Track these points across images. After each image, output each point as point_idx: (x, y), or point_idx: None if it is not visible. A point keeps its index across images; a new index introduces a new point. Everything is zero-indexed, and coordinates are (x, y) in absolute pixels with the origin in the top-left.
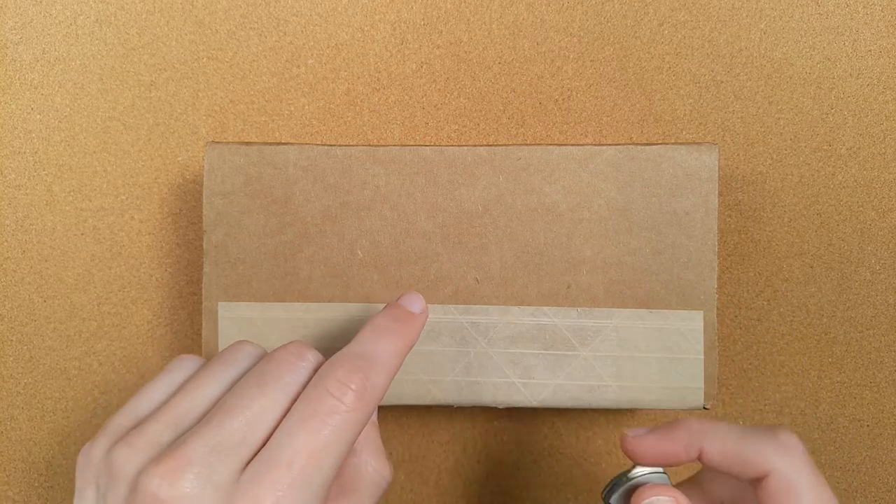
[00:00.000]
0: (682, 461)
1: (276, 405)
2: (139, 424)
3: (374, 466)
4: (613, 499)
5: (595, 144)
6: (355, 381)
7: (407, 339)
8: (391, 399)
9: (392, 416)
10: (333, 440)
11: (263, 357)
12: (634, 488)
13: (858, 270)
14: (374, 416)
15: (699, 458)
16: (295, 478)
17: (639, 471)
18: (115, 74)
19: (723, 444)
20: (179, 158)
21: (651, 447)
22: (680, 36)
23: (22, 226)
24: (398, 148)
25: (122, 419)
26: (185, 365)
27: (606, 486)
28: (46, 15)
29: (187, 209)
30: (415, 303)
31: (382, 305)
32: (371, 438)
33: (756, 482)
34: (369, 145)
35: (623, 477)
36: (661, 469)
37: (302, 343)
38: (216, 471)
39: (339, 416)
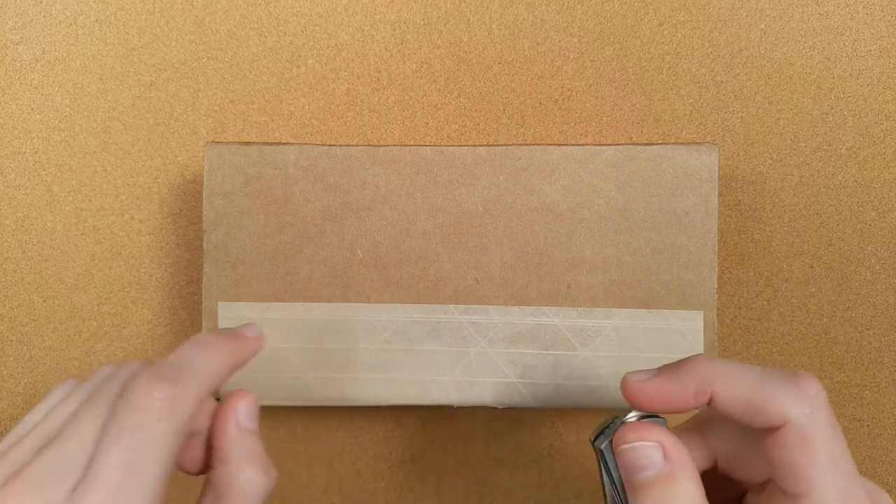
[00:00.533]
0: (690, 407)
1: (97, 423)
2: (8, 450)
3: (247, 475)
4: (603, 445)
5: (595, 144)
6: (160, 391)
7: (230, 354)
8: (392, 400)
9: (392, 416)
10: (145, 452)
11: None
12: None
13: (858, 270)
14: (249, 422)
15: (709, 403)
16: (113, 495)
17: (634, 415)
18: (115, 74)
19: (736, 388)
20: (179, 158)
21: (656, 392)
22: (680, 36)
23: (22, 226)
24: (398, 148)
25: (3, 446)
26: (63, 389)
27: (596, 430)
28: (46, 15)
29: (187, 209)
30: (250, 329)
31: (383, 305)
32: (244, 446)
33: (767, 432)
34: (369, 145)
35: (615, 420)
36: (659, 416)
37: (130, 361)
38: (51, 492)
39: (145, 428)
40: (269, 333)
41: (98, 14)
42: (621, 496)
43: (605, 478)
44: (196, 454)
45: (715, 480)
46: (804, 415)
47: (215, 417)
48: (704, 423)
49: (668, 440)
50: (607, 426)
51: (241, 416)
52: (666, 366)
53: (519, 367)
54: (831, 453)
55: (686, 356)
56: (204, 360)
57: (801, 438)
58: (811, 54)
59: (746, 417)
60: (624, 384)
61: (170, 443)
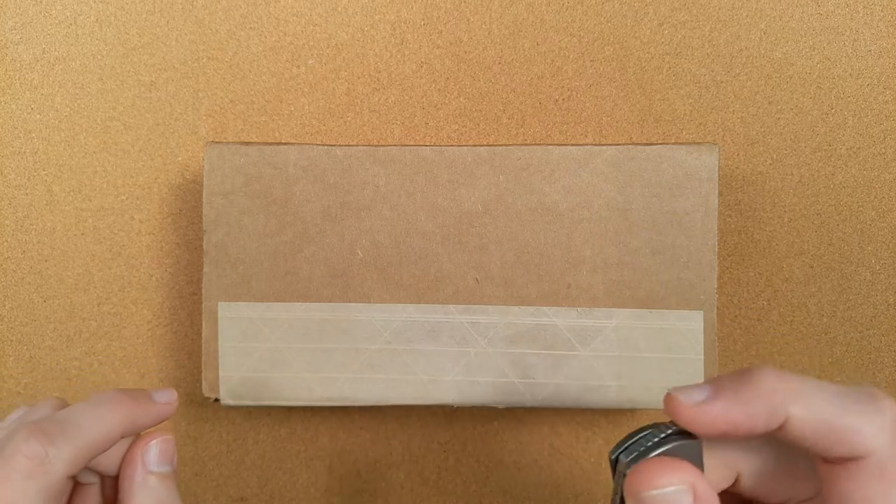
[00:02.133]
0: (757, 434)
1: None
2: None
3: None
4: (624, 462)
5: (595, 144)
6: (31, 448)
7: (129, 414)
8: (392, 400)
9: (392, 416)
10: None
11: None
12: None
13: (858, 270)
14: (159, 466)
15: (780, 430)
16: None
17: (666, 431)
18: (115, 74)
19: (815, 412)
20: (179, 158)
21: (717, 418)
22: (680, 36)
23: (22, 226)
24: (398, 148)
25: None
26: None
27: (621, 444)
28: (46, 15)
29: (187, 209)
30: (163, 393)
31: (382, 305)
32: (150, 493)
33: (837, 461)
34: (369, 145)
35: (646, 439)
36: (696, 437)
37: (39, 404)
38: None
39: (10, 484)
40: (269, 334)
41: (98, 14)
42: None
43: (620, 497)
44: (109, 498)
45: (728, 498)
46: (890, 443)
47: (123, 460)
48: (728, 440)
49: (701, 485)
50: (634, 444)
51: (150, 459)
52: (722, 382)
53: (519, 367)
54: None
55: (686, 356)
56: (92, 419)
57: (882, 474)
58: (811, 54)
59: (821, 446)
60: (673, 406)
61: (34, 500)
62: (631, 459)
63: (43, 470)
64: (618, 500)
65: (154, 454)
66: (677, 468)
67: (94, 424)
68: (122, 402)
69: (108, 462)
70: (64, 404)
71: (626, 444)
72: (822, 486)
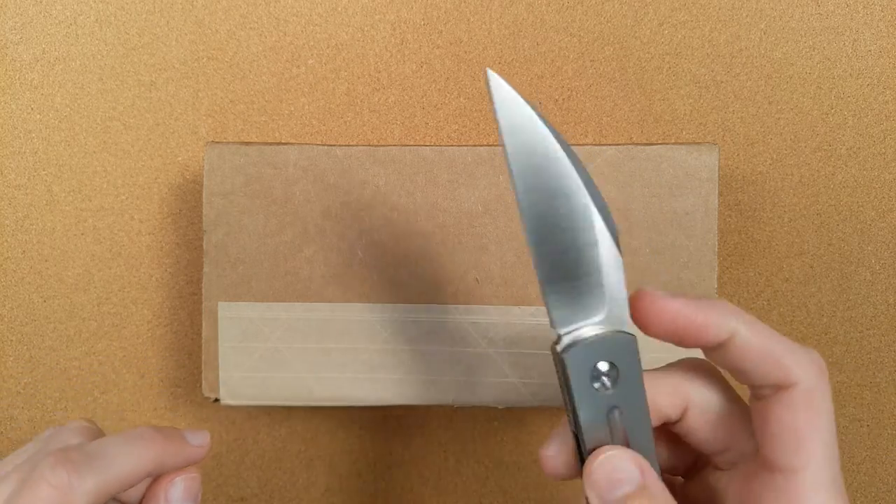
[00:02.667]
0: (703, 343)
1: (3, 496)
2: None
3: None
4: (557, 350)
5: (595, 144)
6: (57, 478)
7: (160, 454)
8: (392, 400)
9: (392, 416)
10: None
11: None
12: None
13: (858, 270)
14: (182, 503)
15: (724, 344)
16: None
17: (601, 330)
18: (115, 74)
19: (758, 336)
20: (179, 158)
21: (674, 315)
22: (680, 36)
23: (22, 226)
24: (398, 148)
25: None
26: (20, 450)
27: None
28: (46, 15)
29: (187, 209)
30: (196, 435)
31: (382, 305)
32: None
33: (771, 391)
34: (369, 145)
35: (582, 332)
36: (632, 335)
37: (69, 426)
38: None
39: None
40: (269, 334)
41: (98, 14)
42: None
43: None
44: None
45: (669, 443)
46: (816, 379)
47: (146, 494)
48: (681, 372)
49: (644, 465)
50: (579, 336)
51: (174, 496)
52: (687, 294)
53: (519, 367)
54: (831, 430)
55: (686, 356)
56: (122, 455)
57: (809, 403)
58: (811, 54)
59: (760, 368)
60: (638, 296)
61: None
62: (562, 349)
63: (66, 500)
64: (563, 388)
65: (178, 492)
66: (623, 451)
67: (124, 460)
68: (155, 442)
69: (131, 495)
70: (94, 428)
71: (572, 342)
72: (755, 427)
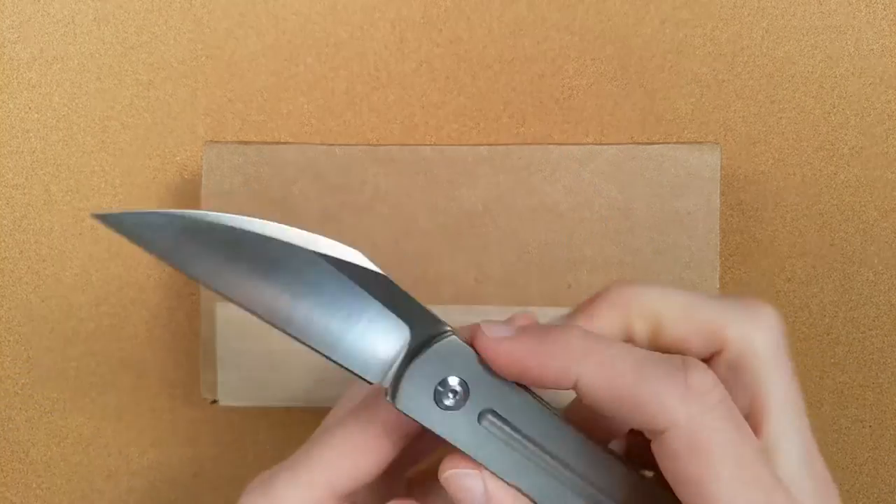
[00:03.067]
0: (548, 387)
1: None
2: None
3: None
4: (399, 399)
5: (596, 144)
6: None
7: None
8: None
9: None
10: None
11: None
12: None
13: (861, 270)
14: None
15: (574, 389)
16: None
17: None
18: (113, 73)
19: (607, 377)
20: (178, 158)
21: (509, 358)
22: (682, 35)
23: (19, 226)
24: (398, 147)
25: None
26: None
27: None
28: (44, 14)
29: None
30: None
31: None
32: None
33: (651, 434)
34: (369, 145)
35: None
36: (455, 334)
37: None
38: None
39: None
40: (267, 334)
41: (96, 13)
42: None
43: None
44: None
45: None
46: (693, 417)
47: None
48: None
49: (485, 475)
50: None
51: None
52: (534, 326)
53: None
54: (737, 461)
55: None
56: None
57: (691, 447)
58: (813, 53)
59: (619, 417)
60: (474, 335)
61: None
62: (391, 397)
63: None
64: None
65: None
66: (465, 460)
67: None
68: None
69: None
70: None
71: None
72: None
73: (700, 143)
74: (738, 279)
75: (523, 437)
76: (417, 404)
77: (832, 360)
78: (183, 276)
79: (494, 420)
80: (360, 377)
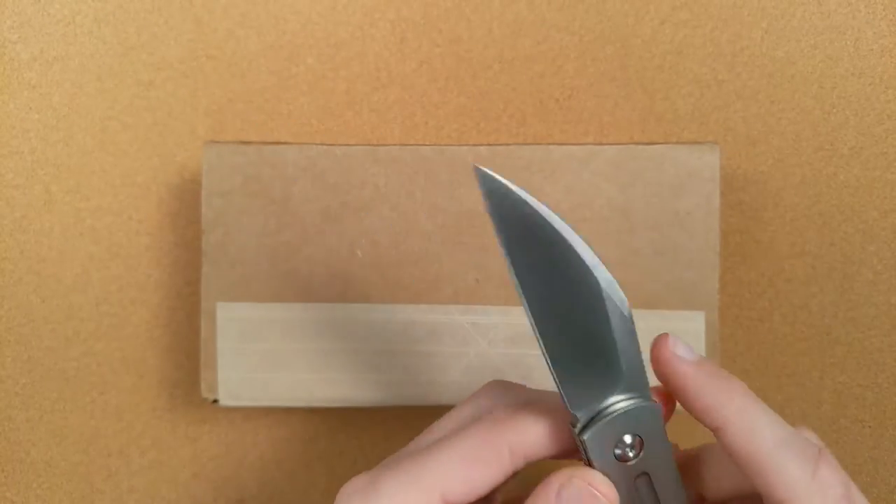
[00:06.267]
0: (696, 416)
1: None
2: None
3: None
4: (586, 436)
5: (596, 144)
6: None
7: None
8: (392, 400)
9: (393, 417)
10: None
11: None
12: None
13: (861, 271)
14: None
15: (715, 429)
16: None
17: (632, 404)
18: (113, 74)
19: (751, 433)
20: (178, 158)
21: (687, 379)
22: (681, 35)
23: (20, 226)
24: (398, 147)
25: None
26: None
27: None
28: (44, 14)
29: (186, 209)
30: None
31: (382, 305)
32: None
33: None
34: (369, 145)
35: (610, 408)
36: (657, 404)
37: None
38: None
39: None
40: (268, 334)
41: (96, 13)
42: None
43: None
44: None
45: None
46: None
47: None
48: (713, 456)
49: (601, 484)
50: (599, 412)
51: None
52: (708, 362)
53: (520, 367)
54: None
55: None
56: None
57: None
58: (813, 53)
59: (745, 471)
60: (662, 352)
61: None
62: (580, 429)
63: None
64: (584, 457)
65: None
66: (586, 473)
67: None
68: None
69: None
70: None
71: (591, 416)
72: None
73: (700, 143)
74: (738, 279)
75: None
76: (598, 446)
77: (832, 361)
78: (183, 276)
79: (643, 484)
80: (565, 403)
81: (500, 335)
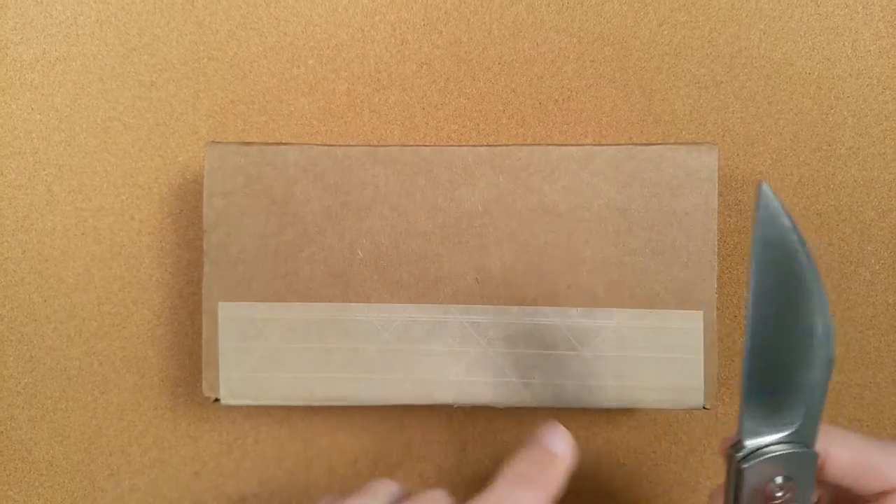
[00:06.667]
0: (873, 492)
1: None
2: None
3: None
4: (747, 465)
5: (595, 144)
6: None
7: (548, 488)
8: (392, 400)
9: (392, 415)
10: None
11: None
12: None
13: (858, 271)
14: None
15: (820, 468)
16: None
17: (789, 447)
18: (115, 74)
19: (851, 451)
20: (180, 158)
21: (843, 466)
22: (680, 36)
23: (22, 226)
24: (398, 148)
25: None
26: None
27: (738, 443)
28: (47, 15)
29: (187, 209)
30: (557, 440)
31: (382, 305)
32: None
33: (878, 497)
34: (369, 145)
35: (776, 448)
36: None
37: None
38: None
39: None
40: (269, 333)
41: (98, 14)
42: None
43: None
44: None
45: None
46: None
47: None
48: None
49: None
50: (765, 446)
51: None
52: (867, 438)
53: (519, 367)
54: None
55: (685, 356)
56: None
57: None
58: (811, 54)
59: (860, 481)
60: (824, 431)
61: None
62: (742, 456)
63: None
64: (731, 493)
65: None
66: None
67: None
68: (537, 476)
69: None
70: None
71: (756, 448)
72: None
73: (698, 143)
74: (736, 279)
75: None
76: (753, 478)
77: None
78: (185, 276)
79: None
80: (740, 424)
81: (500, 335)
